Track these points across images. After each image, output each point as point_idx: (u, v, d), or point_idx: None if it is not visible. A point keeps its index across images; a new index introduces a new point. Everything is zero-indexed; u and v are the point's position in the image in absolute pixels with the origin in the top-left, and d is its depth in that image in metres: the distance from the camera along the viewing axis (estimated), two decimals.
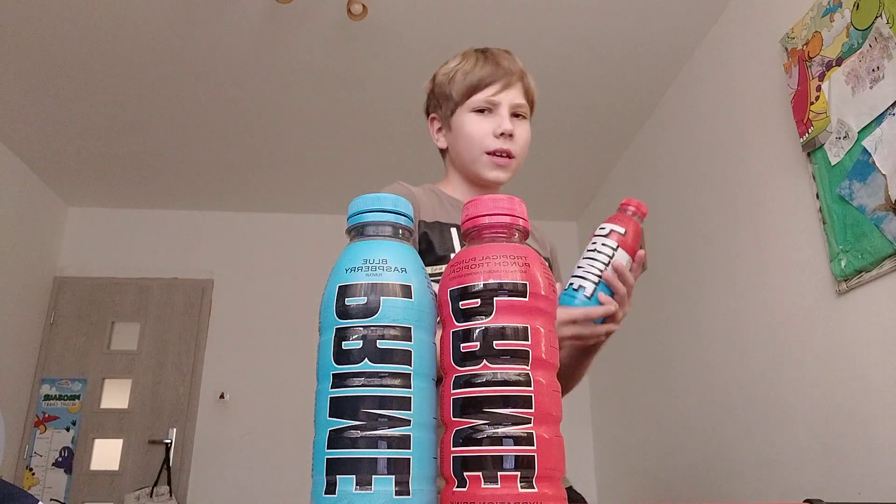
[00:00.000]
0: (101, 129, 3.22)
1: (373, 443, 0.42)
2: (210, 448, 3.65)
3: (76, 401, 3.66)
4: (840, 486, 1.74)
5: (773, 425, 2.06)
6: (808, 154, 1.90)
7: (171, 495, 3.44)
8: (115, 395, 3.73)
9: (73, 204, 4.03)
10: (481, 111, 1.10)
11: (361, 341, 0.44)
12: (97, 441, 3.64)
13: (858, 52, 1.71)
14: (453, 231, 1.07)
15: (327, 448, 0.43)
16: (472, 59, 1.14)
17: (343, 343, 0.44)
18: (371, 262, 0.46)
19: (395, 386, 0.44)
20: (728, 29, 2.45)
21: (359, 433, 0.42)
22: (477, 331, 0.45)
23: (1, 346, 3.34)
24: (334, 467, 0.42)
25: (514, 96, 1.10)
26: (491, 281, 0.45)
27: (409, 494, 0.42)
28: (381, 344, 0.44)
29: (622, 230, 0.92)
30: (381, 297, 0.45)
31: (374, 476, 0.41)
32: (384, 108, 3.11)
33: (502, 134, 1.08)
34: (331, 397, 0.44)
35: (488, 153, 1.09)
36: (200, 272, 3.98)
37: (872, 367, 1.66)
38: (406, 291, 0.46)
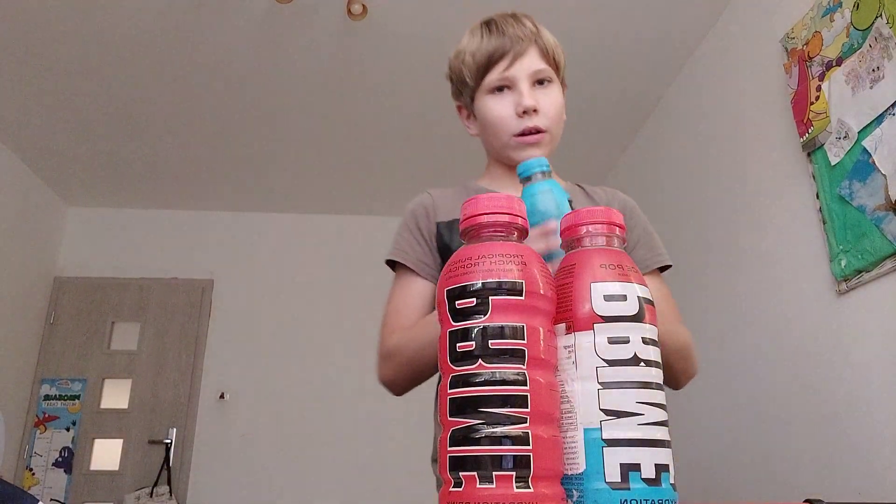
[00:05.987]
0: (102, 129, 3.22)
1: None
2: (210, 448, 3.64)
3: (76, 401, 3.65)
4: (840, 486, 1.73)
5: (772, 425, 2.05)
6: (808, 154, 1.90)
7: (171, 495, 3.44)
8: (115, 395, 3.73)
9: (73, 204, 4.03)
10: (500, 90, 1.02)
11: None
12: (97, 441, 3.64)
13: (858, 52, 1.70)
14: None
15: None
16: (478, 35, 1.08)
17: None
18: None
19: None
20: (728, 29, 2.45)
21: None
22: (473, 330, 0.45)
23: (1, 346, 3.34)
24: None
25: (529, 64, 1.02)
26: (487, 280, 0.45)
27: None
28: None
29: None
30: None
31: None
32: (384, 108, 3.11)
33: (525, 112, 1.00)
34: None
35: (515, 136, 1.01)
36: (200, 272, 3.98)
37: (872, 367, 1.66)
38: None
